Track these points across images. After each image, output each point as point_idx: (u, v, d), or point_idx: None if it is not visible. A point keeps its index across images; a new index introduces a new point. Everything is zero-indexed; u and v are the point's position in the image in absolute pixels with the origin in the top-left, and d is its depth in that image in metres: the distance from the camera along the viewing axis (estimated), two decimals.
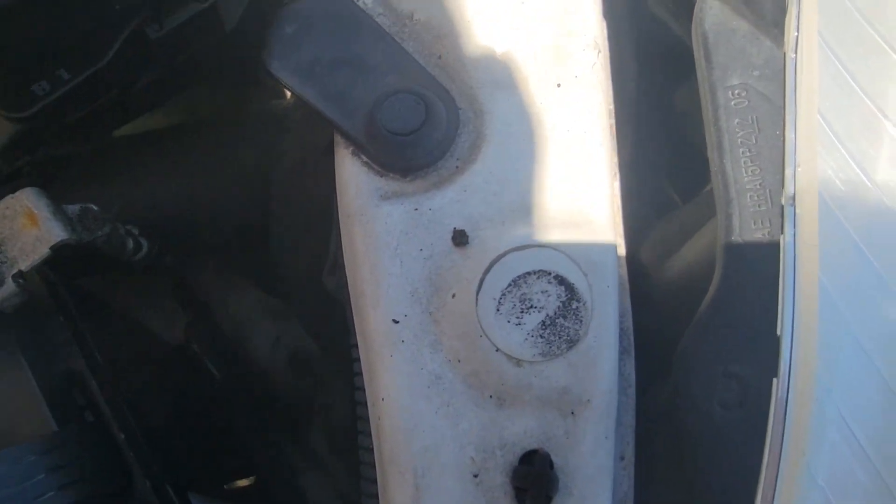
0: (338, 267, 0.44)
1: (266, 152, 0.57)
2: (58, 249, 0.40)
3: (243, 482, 0.60)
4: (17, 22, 0.40)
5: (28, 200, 0.41)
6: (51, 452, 0.39)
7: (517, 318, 0.34)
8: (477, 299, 0.34)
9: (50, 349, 0.43)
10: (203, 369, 0.62)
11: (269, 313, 0.71)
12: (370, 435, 0.37)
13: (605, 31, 0.40)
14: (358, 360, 0.39)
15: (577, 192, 0.36)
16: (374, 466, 0.38)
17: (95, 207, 0.47)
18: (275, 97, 0.68)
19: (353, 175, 0.38)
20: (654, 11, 0.46)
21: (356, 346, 0.39)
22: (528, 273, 0.34)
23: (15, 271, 0.40)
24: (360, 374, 0.39)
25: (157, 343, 0.62)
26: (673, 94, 0.56)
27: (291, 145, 0.57)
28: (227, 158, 0.59)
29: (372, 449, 0.38)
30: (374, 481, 0.37)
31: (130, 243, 0.47)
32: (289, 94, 0.73)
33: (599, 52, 0.38)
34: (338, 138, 0.39)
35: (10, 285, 0.39)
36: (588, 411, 0.34)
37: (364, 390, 0.39)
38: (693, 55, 0.51)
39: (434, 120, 0.37)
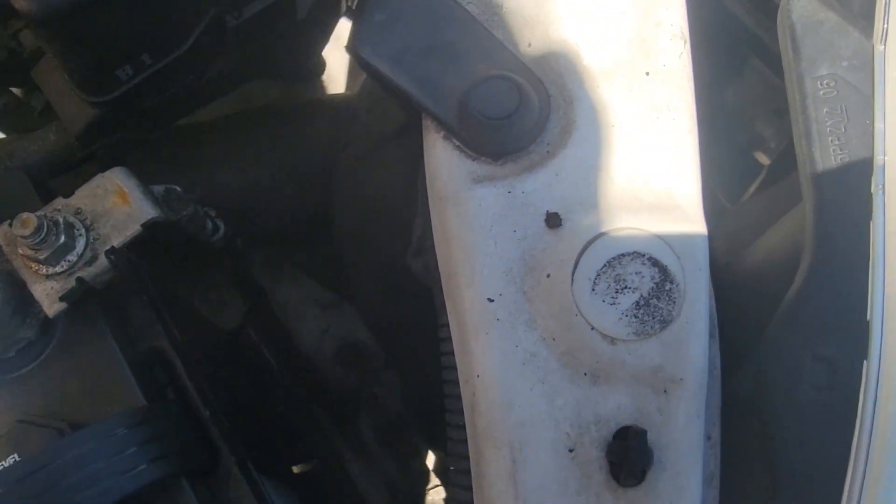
0: (424, 250, 0.45)
1: (330, 142, 0.58)
2: (148, 227, 0.41)
3: (298, 468, 0.61)
4: (109, 8, 0.41)
5: (118, 179, 0.42)
6: (141, 426, 0.40)
7: (612, 298, 0.35)
8: (572, 279, 0.35)
9: (133, 328, 0.44)
10: (259, 357, 0.63)
11: (318, 304, 0.72)
12: (459, 412, 0.38)
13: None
14: (446, 339, 0.40)
15: (667, 177, 0.37)
16: (463, 443, 0.38)
17: (178, 188, 0.47)
18: (331, 88, 0.69)
19: (444, 159, 0.39)
20: (726, 4, 0.47)
21: (445, 325, 0.40)
22: (623, 255, 0.35)
23: (107, 247, 0.41)
24: (450, 353, 0.40)
25: (213, 330, 0.62)
26: (724, 90, 0.58)
27: (358, 134, 0.58)
28: (290, 148, 0.60)
29: (461, 426, 0.39)
30: (464, 457, 0.38)
31: (209, 224, 0.48)
32: (350, 84, 0.75)
33: (685, 41, 0.39)
34: (427, 124, 0.40)
35: (102, 261, 0.40)
36: (681, 389, 0.35)
37: (453, 369, 0.40)
38: (755, 49, 0.52)
39: (527, 105, 0.38)
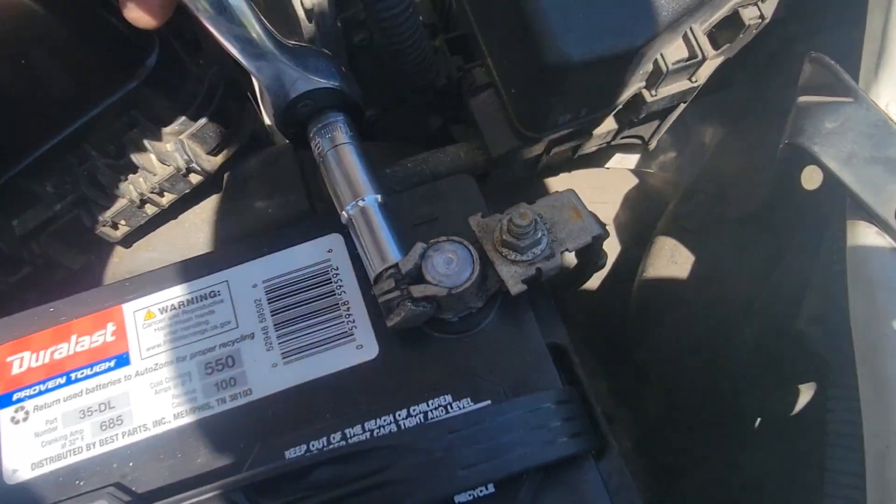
0: (823, 318, 0.50)
1: None
2: (597, 238, 0.49)
3: None
4: (602, 69, 0.51)
5: (572, 198, 0.51)
6: (563, 405, 0.46)
7: None
8: None
9: (542, 323, 0.51)
10: None
11: None
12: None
13: None
14: (842, 398, 0.45)
15: None
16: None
17: None
18: None
19: (875, 250, 0.45)
20: None
21: (845, 385, 0.44)
22: None
23: (562, 249, 0.49)
24: (844, 411, 0.44)
25: None
26: None
27: (691, 211, 0.65)
28: None
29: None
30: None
31: None
32: None
33: None
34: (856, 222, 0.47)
35: (556, 260, 0.48)
36: None
37: (846, 425, 0.44)
38: None
39: None
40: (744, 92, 0.75)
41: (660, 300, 0.64)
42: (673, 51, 0.55)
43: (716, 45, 0.58)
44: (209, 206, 0.67)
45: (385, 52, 0.56)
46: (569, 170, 0.73)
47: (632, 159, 0.80)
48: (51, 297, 0.57)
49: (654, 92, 0.58)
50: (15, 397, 0.49)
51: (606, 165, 0.79)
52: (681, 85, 0.58)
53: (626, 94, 0.56)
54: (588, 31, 0.48)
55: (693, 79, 0.57)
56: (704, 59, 0.54)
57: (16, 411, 0.49)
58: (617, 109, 0.58)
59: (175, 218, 0.67)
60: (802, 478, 0.59)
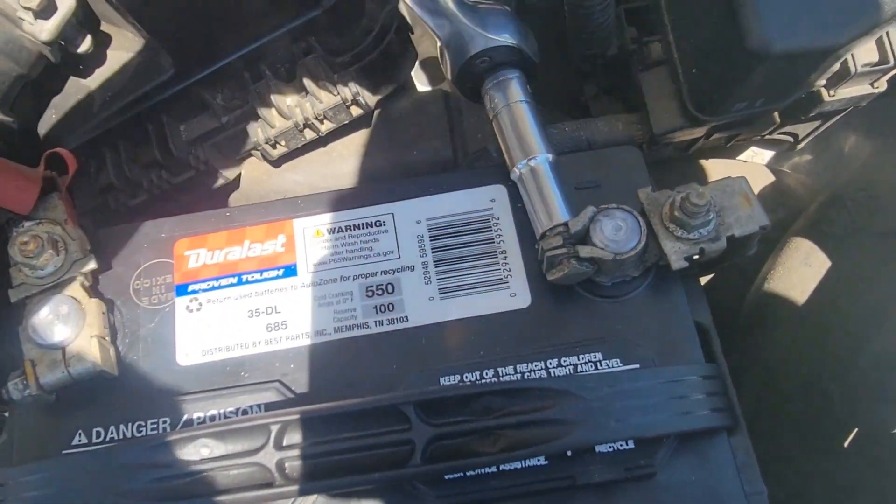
0: None
1: None
2: (763, 228, 0.50)
3: None
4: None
5: (744, 186, 0.51)
6: (707, 380, 0.48)
7: None
8: None
9: (691, 299, 0.52)
10: None
11: None
12: None
13: None
14: None
15: None
16: None
17: None
18: None
19: None
20: None
21: None
22: None
23: (729, 234, 0.50)
24: None
25: None
26: None
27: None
28: None
29: None
30: None
31: None
32: None
33: None
34: None
35: (721, 243, 0.49)
36: None
37: None
38: None
39: None
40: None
41: (786, 297, 0.64)
42: (864, 52, 0.54)
43: None
44: (357, 139, 0.70)
45: (571, 13, 0.56)
46: (707, 157, 0.73)
47: (766, 155, 0.80)
48: (206, 205, 0.61)
49: (832, 92, 0.57)
50: (190, 288, 0.53)
51: (740, 158, 0.78)
52: (861, 89, 0.57)
53: (806, 90, 0.56)
54: (795, 21, 0.48)
55: (875, 85, 0.56)
56: (895, 66, 0.53)
57: (191, 301, 0.53)
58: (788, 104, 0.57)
59: (324, 147, 0.70)
60: (889, 492, 0.59)
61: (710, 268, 0.59)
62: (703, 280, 0.78)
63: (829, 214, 0.63)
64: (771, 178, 0.75)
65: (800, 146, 0.67)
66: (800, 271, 0.64)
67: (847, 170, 0.70)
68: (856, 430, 0.65)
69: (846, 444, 0.66)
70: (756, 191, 0.76)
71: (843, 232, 0.61)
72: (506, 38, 0.54)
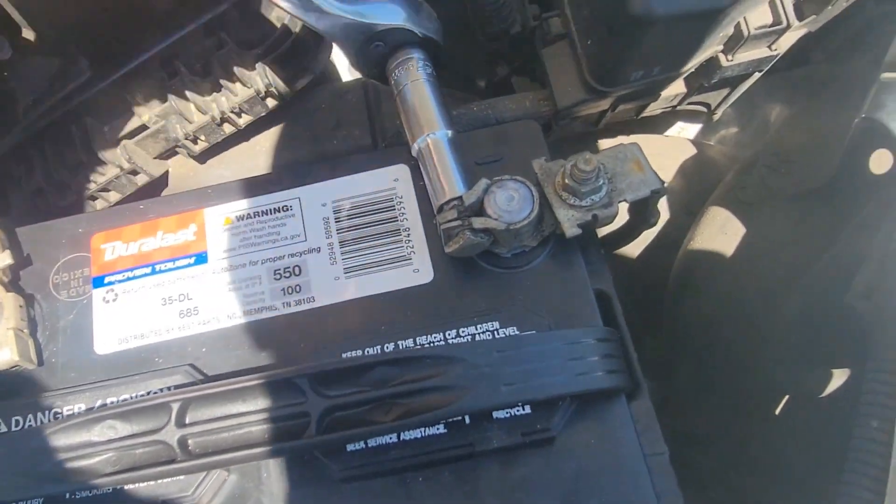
0: (875, 293, 0.51)
1: None
2: (656, 193, 0.51)
3: None
4: (688, 25, 0.51)
5: (636, 151, 0.52)
6: (602, 343, 0.49)
7: None
8: None
9: (591, 267, 0.53)
10: None
11: None
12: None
13: None
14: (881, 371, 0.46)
15: None
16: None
17: None
18: None
19: None
20: None
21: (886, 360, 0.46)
22: None
23: (621, 199, 0.51)
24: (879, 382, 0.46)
25: None
26: None
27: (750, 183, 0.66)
28: None
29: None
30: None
31: None
32: None
33: None
34: None
35: (614, 209, 0.50)
36: None
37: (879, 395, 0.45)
38: None
39: None
40: (818, 71, 0.74)
41: (704, 267, 0.65)
42: (757, 15, 0.55)
43: (801, 16, 0.58)
44: (279, 132, 0.71)
45: None
46: (628, 134, 0.74)
47: (692, 130, 0.80)
48: (133, 200, 0.62)
49: (730, 57, 0.58)
50: (106, 280, 0.55)
51: (666, 133, 0.79)
52: (759, 52, 0.58)
53: (703, 57, 0.57)
54: None
55: (773, 47, 0.57)
56: (788, 26, 0.54)
57: (107, 292, 0.54)
58: (689, 72, 0.58)
59: (247, 140, 0.71)
60: (822, 458, 0.60)
61: (621, 240, 0.60)
62: (636, 255, 0.79)
63: (742, 181, 0.64)
64: (694, 151, 0.76)
65: (716, 116, 0.68)
66: (717, 239, 0.64)
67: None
68: (784, 395, 0.66)
69: (777, 410, 0.67)
70: (679, 163, 0.78)
71: (756, 197, 0.62)
72: (391, 21, 0.55)
